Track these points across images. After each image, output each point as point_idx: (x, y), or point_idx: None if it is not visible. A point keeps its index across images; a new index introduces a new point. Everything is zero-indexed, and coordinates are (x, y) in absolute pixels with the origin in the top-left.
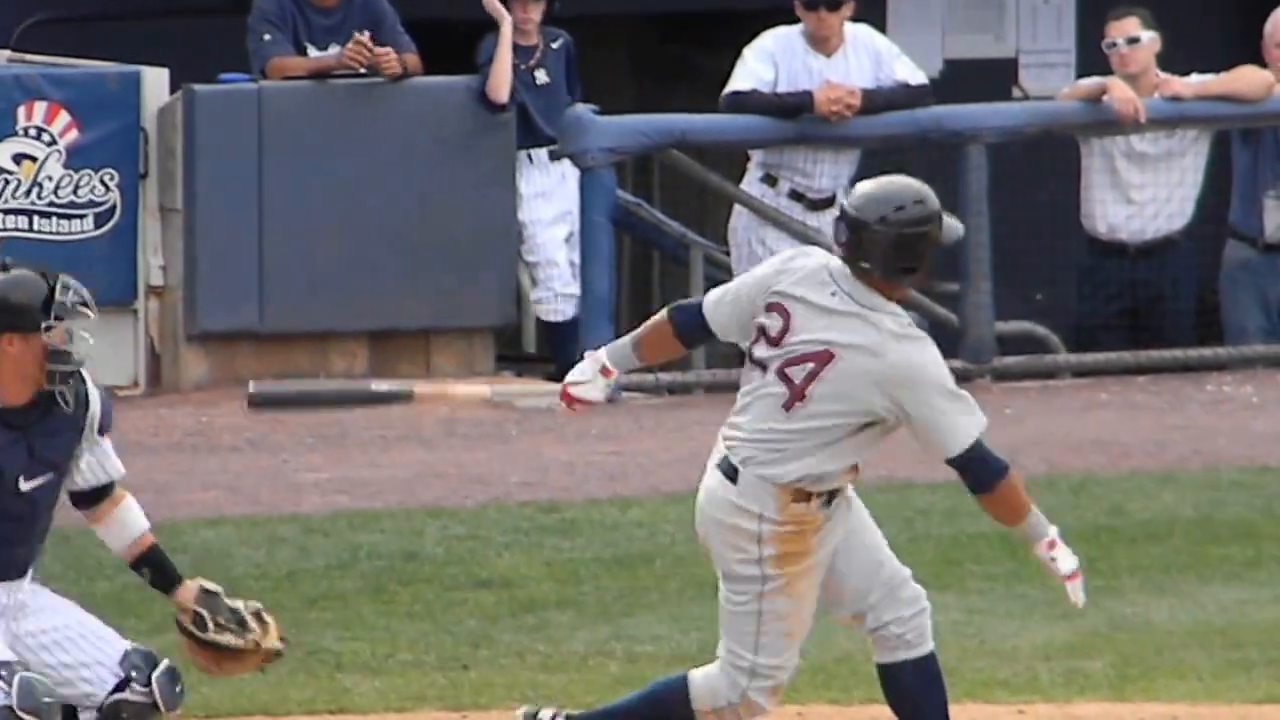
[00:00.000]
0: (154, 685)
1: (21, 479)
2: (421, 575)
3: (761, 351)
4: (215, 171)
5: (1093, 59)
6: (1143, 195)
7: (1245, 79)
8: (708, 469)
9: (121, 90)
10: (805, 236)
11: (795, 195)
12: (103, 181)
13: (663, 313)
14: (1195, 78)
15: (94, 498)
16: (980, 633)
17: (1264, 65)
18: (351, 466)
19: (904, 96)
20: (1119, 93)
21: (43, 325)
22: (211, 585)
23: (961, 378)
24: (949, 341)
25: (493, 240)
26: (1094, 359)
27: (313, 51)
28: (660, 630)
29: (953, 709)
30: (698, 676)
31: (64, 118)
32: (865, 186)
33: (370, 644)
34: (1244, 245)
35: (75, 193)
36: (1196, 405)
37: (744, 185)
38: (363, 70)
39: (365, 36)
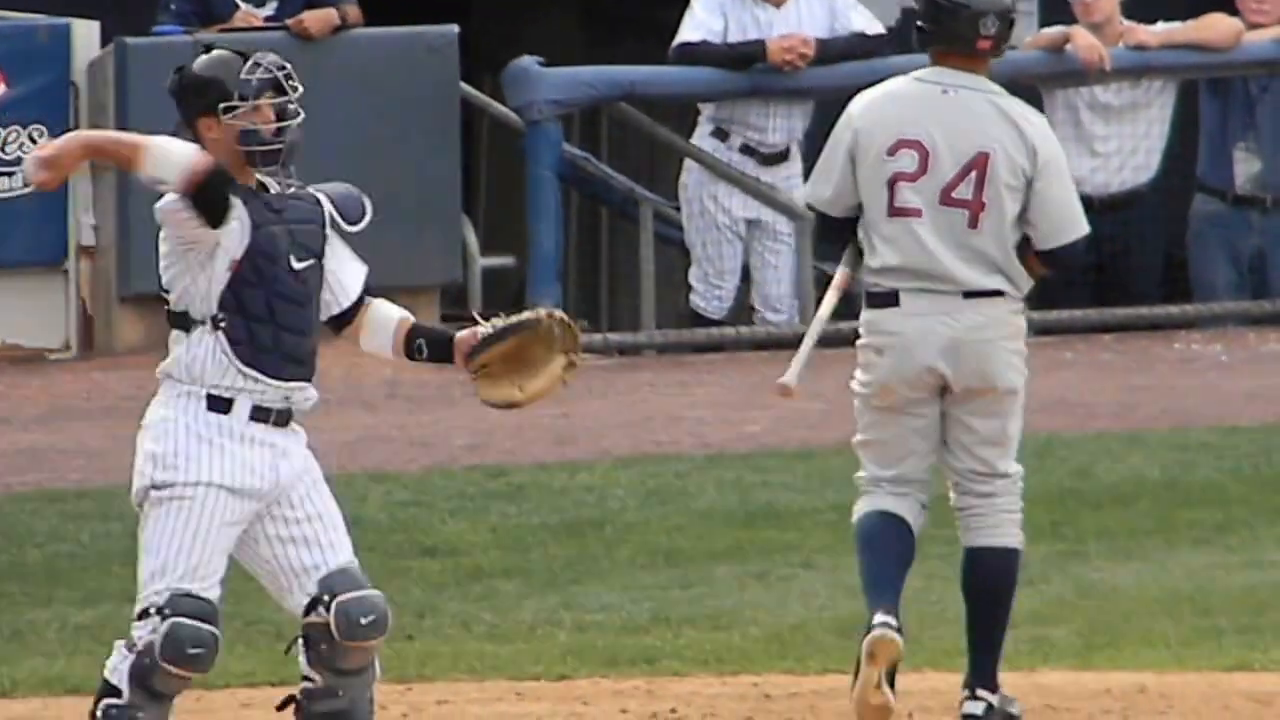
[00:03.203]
0: (332, 610)
1: (292, 258)
2: (364, 542)
3: (908, 196)
4: (148, 127)
5: (1056, 7)
6: (1107, 147)
7: (1213, 27)
8: (929, 313)
9: (51, 44)
10: (758, 192)
11: (747, 150)
12: (32, 137)
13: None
14: (1161, 26)
15: (351, 313)
16: (941, 600)
17: (1233, 12)
18: None
19: (860, 46)
20: (1083, 41)
21: (222, 109)
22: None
23: None
24: None
25: (437, 197)
26: (1058, 317)
27: (249, 9)
28: (610, 599)
29: (913, 678)
30: (1011, 539)
31: None
32: None
33: None
34: (1213, 199)
35: (3, 149)
36: (1164, 364)
37: (695, 140)
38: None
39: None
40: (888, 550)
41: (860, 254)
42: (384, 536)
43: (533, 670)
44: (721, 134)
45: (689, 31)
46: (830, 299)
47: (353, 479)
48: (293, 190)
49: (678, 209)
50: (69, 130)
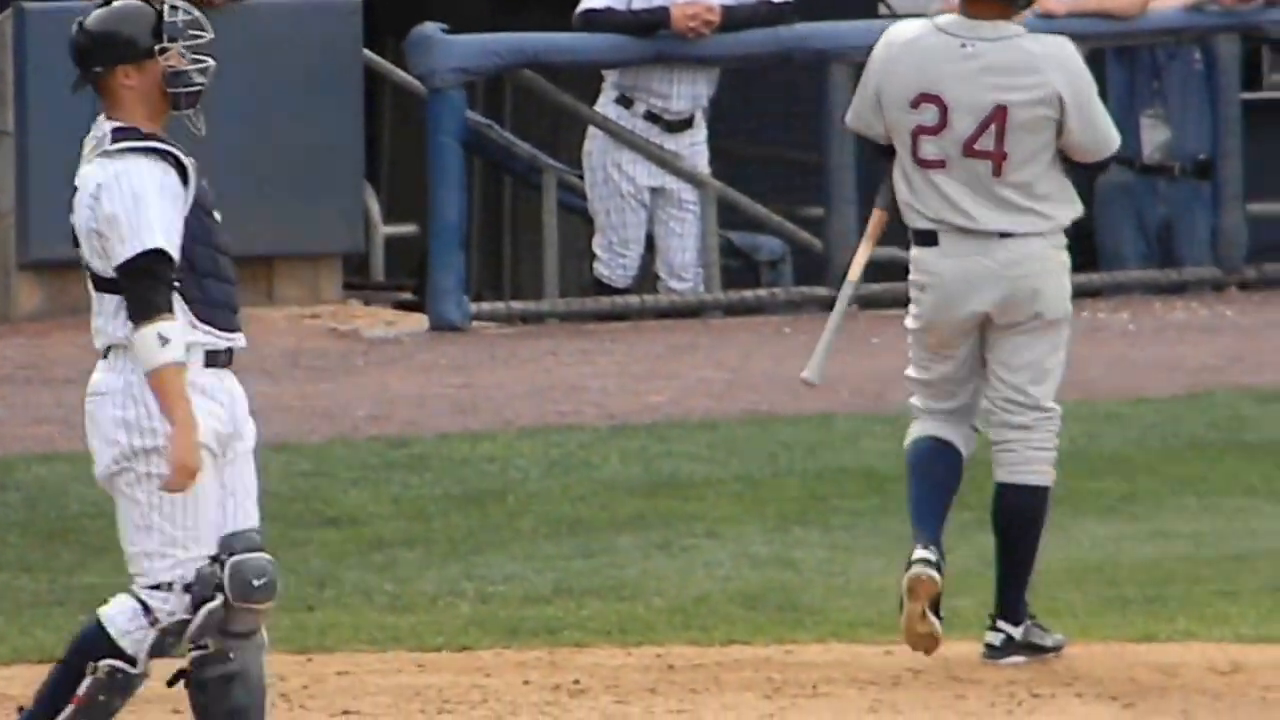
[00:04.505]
0: (226, 569)
1: (214, 211)
2: (265, 513)
3: (929, 149)
4: (48, 93)
5: None
6: None
7: None
8: (964, 254)
9: None
10: (662, 160)
11: (651, 117)
12: None
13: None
14: None
15: None
16: (845, 571)
17: None
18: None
19: (766, 13)
20: None
21: (155, 50)
22: None
23: (826, 305)
24: (813, 267)
25: (339, 164)
26: None
27: None
28: (512, 569)
29: (818, 650)
30: (1036, 476)
31: None
32: None
33: None
34: (1120, 167)
35: None
36: (1071, 333)
37: (598, 107)
38: None
39: None
40: (934, 477)
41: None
42: (285, 506)
43: (434, 641)
44: (625, 101)
45: None
46: (862, 254)
47: None
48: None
49: (581, 177)
50: None
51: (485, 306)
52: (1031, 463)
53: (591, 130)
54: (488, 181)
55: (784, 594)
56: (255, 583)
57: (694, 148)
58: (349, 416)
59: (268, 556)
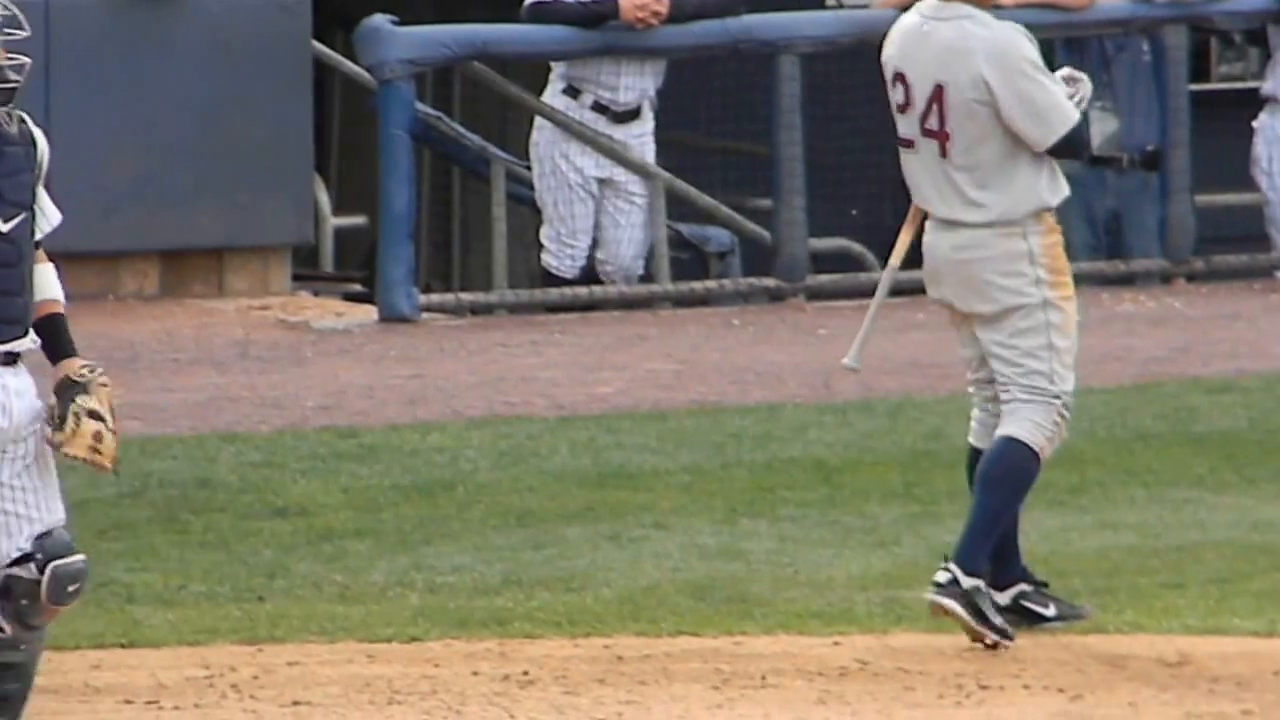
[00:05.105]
0: (46, 573)
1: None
2: (215, 504)
3: (902, 128)
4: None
5: None
6: None
7: None
8: (931, 231)
9: None
10: (610, 150)
11: (599, 108)
12: None
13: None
14: None
15: None
16: (794, 562)
17: None
18: (142, 390)
19: (714, 5)
20: None
21: None
22: (82, 373)
23: (774, 296)
24: (761, 259)
25: (288, 155)
26: (911, 277)
27: None
28: (462, 560)
29: (766, 641)
30: (1019, 430)
31: None
32: None
33: (162, 575)
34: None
35: None
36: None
37: (546, 98)
38: None
39: None
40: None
41: None
42: (234, 497)
43: (384, 632)
44: (573, 92)
45: None
46: (903, 240)
47: (203, 440)
48: (12, 131)
49: (529, 167)
50: None
51: (434, 298)
52: (1021, 423)
53: (539, 121)
54: (437, 173)
55: (732, 585)
56: (70, 589)
57: (641, 139)
58: (298, 407)
59: (82, 558)
